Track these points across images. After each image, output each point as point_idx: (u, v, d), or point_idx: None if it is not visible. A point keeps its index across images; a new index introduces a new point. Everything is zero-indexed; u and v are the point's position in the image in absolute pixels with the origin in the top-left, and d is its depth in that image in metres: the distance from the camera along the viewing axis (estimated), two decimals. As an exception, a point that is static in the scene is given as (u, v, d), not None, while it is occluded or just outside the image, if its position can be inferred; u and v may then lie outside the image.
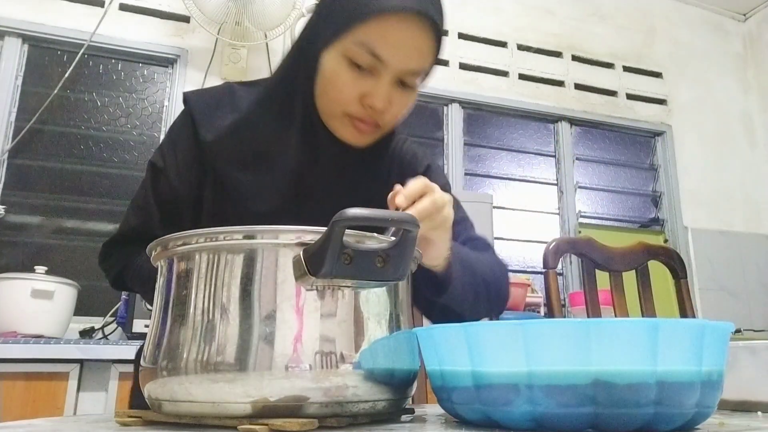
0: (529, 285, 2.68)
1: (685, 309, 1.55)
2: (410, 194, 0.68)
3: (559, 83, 3.43)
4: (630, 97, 3.57)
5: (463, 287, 0.82)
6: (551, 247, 1.47)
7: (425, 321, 1.32)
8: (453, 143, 3.17)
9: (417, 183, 0.70)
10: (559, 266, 2.13)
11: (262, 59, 2.81)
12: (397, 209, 0.67)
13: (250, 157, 0.86)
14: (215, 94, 0.92)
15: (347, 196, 0.82)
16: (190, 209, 0.88)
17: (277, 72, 0.90)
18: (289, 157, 0.86)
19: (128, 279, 0.90)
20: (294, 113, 0.86)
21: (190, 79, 2.70)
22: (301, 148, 0.86)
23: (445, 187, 0.91)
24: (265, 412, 0.50)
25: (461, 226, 0.94)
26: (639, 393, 0.45)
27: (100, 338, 2.19)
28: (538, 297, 2.73)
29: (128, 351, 1.86)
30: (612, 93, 3.54)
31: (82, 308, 2.21)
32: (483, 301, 0.87)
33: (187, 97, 0.91)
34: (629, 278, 1.52)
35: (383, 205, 0.71)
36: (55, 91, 2.50)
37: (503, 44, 3.35)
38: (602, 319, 0.84)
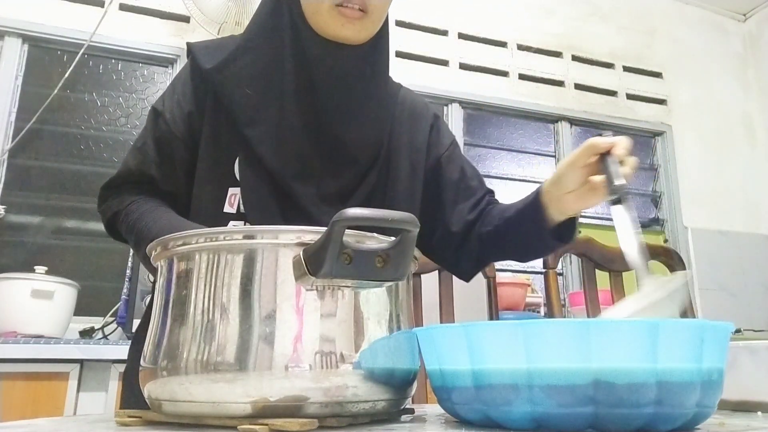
0: (529, 285, 2.68)
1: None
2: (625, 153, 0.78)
3: (559, 83, 3.43)
4: (630, 97, 3.57)
5: None
6: (551, 247, 1.46)
7: (425, 321, 1.32)
8: (453, 143, 3.17)
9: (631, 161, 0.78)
10: (559, 266, 2.12)
11: (262, 59, 2.80)
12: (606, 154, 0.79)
13: (250, 78, 0.89)
14: (217, 40, 1.00)
15: (347, 97, 0.89)
16: (184, 152, 0.91)
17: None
18: (285, 74, 0.89)
19: (119, 226, 0.92)
20: (283, 28, 0.90)
21: (190, 79, 2.70)
22: (294, 60, 0.89)
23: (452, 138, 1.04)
24: (265, 412, 0.50)
25: (478, 180, 1.02)
26: (639, 393, 0.45)
27: (100, 338, 2.19)
28: (538, 297, 2.72)
29: (128, 351, 1.85)
30: (612, 93, 3.54)
31: (82, 308, 2.20)
32: None
33: (190, 45, 0.96)
34: (629, 278, 1.51)
35: (383, 105, 0.91)
36: (55, 91, 2.50)
37: (503, 44, 3.35)
38: (602, 319, 0.84)
